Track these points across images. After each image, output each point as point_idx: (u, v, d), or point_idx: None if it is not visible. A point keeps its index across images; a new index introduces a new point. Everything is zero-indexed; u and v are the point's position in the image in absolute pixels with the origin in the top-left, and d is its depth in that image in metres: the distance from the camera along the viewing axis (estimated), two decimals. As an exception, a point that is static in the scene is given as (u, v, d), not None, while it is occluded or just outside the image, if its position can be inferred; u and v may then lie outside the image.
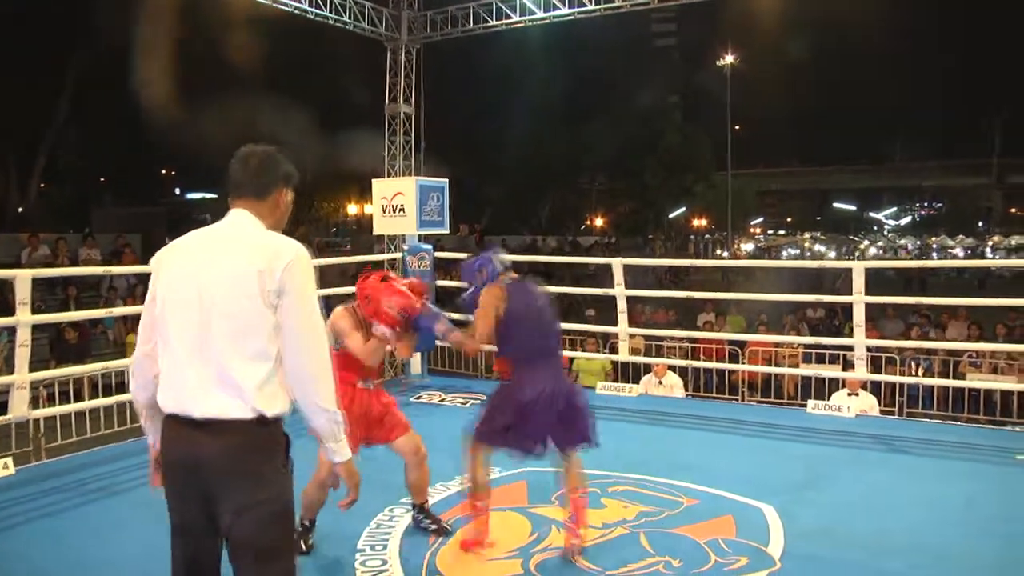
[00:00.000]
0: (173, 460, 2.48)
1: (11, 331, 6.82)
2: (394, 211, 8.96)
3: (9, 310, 6.40)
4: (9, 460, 5.61)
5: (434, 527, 4.47)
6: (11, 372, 5.99)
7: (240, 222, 2.58)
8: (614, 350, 9.26)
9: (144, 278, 15.48)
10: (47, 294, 13.38)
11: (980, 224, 61.89)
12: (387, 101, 11.59)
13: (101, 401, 7.11)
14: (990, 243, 57.91)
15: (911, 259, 45.88)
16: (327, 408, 2.50)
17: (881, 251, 60.86)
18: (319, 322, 2.52)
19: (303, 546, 4.17)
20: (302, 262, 2.49)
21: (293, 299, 2.45)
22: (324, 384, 2.50)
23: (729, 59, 41.12)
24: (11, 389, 5.86)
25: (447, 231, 9.64)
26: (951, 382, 8.85)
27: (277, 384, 2.46)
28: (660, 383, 8.92)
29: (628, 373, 10.36)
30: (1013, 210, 62.51)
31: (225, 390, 2.41)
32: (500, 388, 4.25)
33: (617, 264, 8.11)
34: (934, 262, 35.38)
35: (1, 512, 4.78)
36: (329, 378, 2.51)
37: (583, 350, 10.42)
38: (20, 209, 25.16)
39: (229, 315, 2.42)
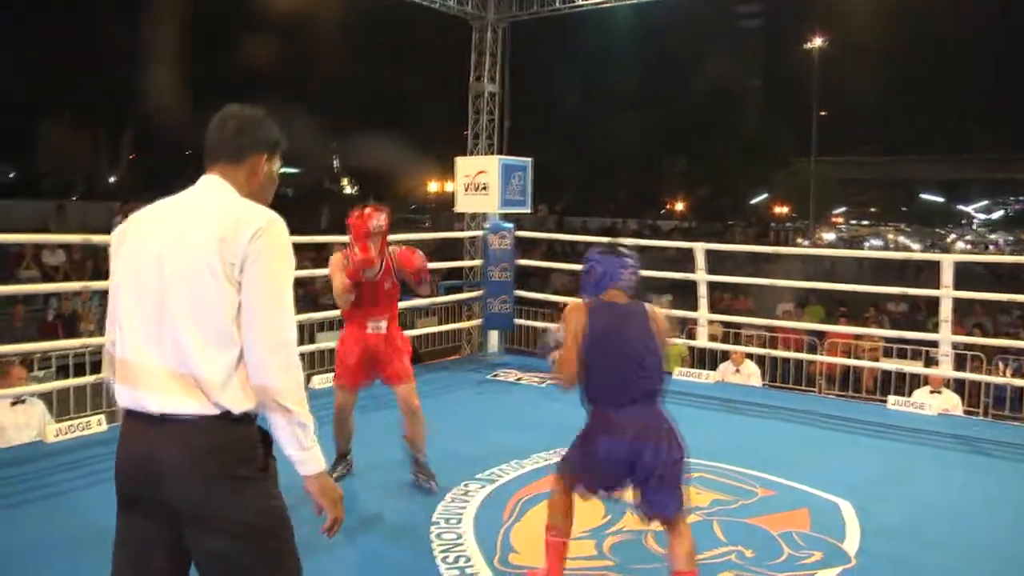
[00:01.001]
0: (127, 464, 2.07)
1: (104, 294, 7.08)
2: (476, 189, 9.03)
3: (102, 275, 6.63)
4: (103, 417, 5.85)
5: (424, 481, 4.77)
6: (103, 334, 6.21)
7: (210, 188, 2.20)
8: (692, 336, 9.20)
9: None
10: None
11: (1076, 220, 59.52)
12: (472, 80, 11.64)
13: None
14: (1087, 240, 55.69)
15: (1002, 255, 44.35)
16: (289, 408, 2.04)
17: (970, 246, 58.97)
18: (287, 304, 2.09)
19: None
20: (274, 232, 2.08)
21: (257, 273, 2.03)
22: (287, 378, 2.05)
23: (817, 42, 40.09)
24: (104, 349, 6.09)
25: (529, 211, 9.67)
26: (1040, 384, 8.59)
27: (246, 375, 2.04)
28: (737, 371, 8.85)
29: (704, 360, 10.30)
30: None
31: (184, 381, 2.01)
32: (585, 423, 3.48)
33: (699, 248, 8.05)
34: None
35: (95, 466, 4.97)
36: (295, 371, 2.08)
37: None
38: (112, 179, 26.02)
39: (188, 293, 2.02)
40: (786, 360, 9.91)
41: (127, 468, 2.07)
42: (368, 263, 4.55)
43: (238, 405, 2.02)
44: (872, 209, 68.88)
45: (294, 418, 2.06)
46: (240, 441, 2.05)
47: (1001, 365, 9.91)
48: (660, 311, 3.49)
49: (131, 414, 2.08)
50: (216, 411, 2.01)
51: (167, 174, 29.63)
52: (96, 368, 6.22)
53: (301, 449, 2.10)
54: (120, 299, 2.14)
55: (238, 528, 2.01)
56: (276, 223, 2.10)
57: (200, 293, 2.02)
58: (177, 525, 2.02)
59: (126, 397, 2.08)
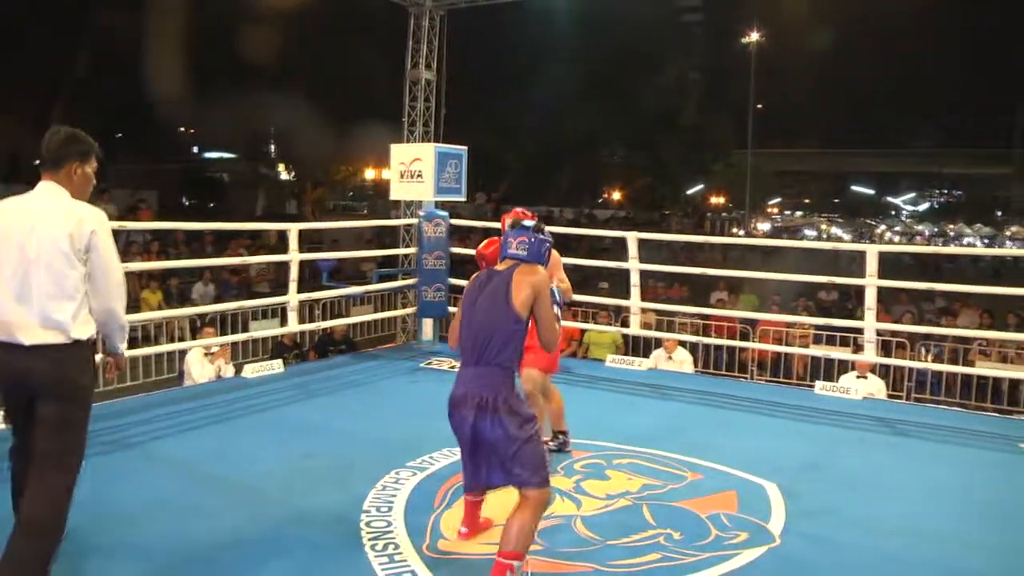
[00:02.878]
0: (10, 377, 3.22)
1: None
2: (411, 177, 8.97)
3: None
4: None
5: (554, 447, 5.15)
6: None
7: (47, 193, 3.32)
8: (626, 323, 9.29)
9: (159, 235, 15.55)
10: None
11: (999, 213, 61.41)
12: (408, 67, 11.55)
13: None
14: (1008, 233, 57.56)
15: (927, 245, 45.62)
16: (124, 324, 3.48)
17: (898, 236, 60.51)
18: (116, 264, 3.36)
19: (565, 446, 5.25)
20: (103, 226, 3.31)
21: (98, 253, 3.27)
22: (120, 304, 3.39)
23: (754, 37, 40.67)
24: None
25: (464, 199, 9.65)
26: (960, 369, 8.85)
27: (85, 316, 3.27)
28: (670, 358, 8.96)
29: (639, 347, 10.40)
30: (1032, 200, 62.01)
31: (48, 324, 3.17)
32: None
33: (632, 238, 8.11)
34: (949, 248, 35.25)
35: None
36: (123, 303, 3.41)
37: (595, 322, 10.45)
38: (37, 162, 25.23)
39: (48, 270, 3.17)
40: (719, 347, 10.05)
41: (9, 379, 3.23)
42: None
43: (83, 335, 3.26)
44: (806, 200, 70.28)
45: (125, 328, 3.53)
46: (82, 355, 3.29)
47: (923, 351, 10.19)
48: (531, 277, 3.49)
49: (4, 345, 3.17)
50: (69, 340, 3.21)
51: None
52: None
53: (122, 342, 3.56)
54: None
55: (69, 397, 3.25)
56: (103, 219, 3.33)
57: (57, 269, 3.19)
58: (34, 400, 3.20)
59: (3, 335, 3.18)
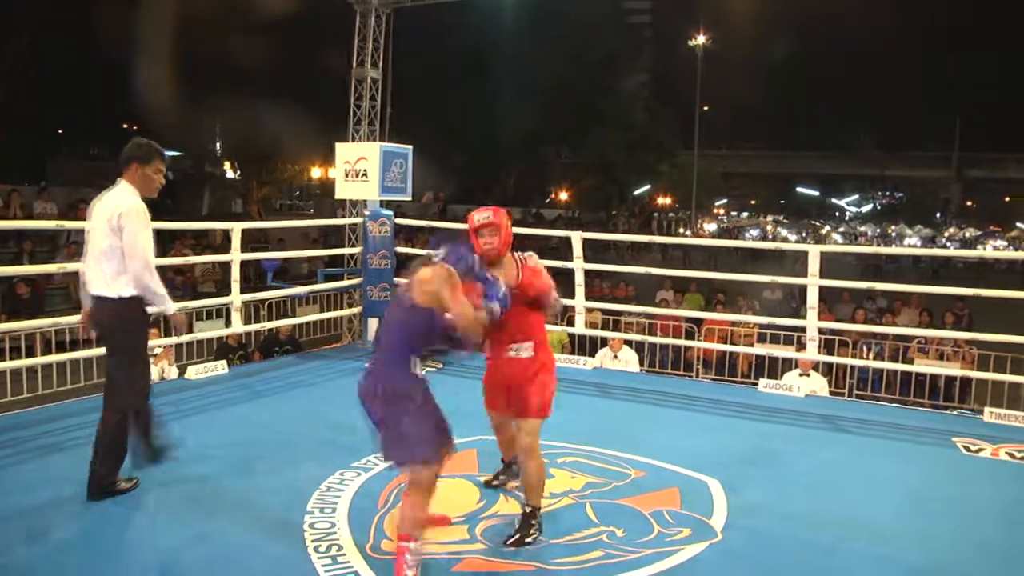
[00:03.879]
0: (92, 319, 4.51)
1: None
2: (357, 176, 8.90)
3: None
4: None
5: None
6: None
7: (117, 188, 4.37)
8: (571, 323, 9.32)
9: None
10: (0, 247, 13.17)
11: (938, 215, 62.94)
12: (354, 65, 11.46)
13: (54, 357, 7.05)
14: (946, 234, 59.02)
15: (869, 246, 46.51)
16: (156, 291, 4.38)
17: (842, 237, 61.64)
18: (142, 243, 4.28)
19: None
20: (130, 212, 4.26)
21: (125, 234, 4.24)
22: (148, 276, 4.32)
23: (701, 39, 41.15)
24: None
25: (409, 198, 9.61)
26: (899, 366, 9.02)
27: (124, 280, 4.29)
28: (615, 357, 9.01)
29: (585, 346, 10.45)
30: (970, 203, 63.69)
31: (103, 279, 4.30)
32: None
33: (576, 237, 8.15)
34: (888, 248, 36.03)
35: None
36: (150, 274, 4.33)
37: (541, 322, 10.46)
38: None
39: (100, 242, 4.29)
40: (664, 346, 10.13)
41: (92, 320, 4.48)
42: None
43: (125, 292, 4.31)
44: (752, 201, 71.27)
45: (156, 293, 4.39)
46: (125, 308, 4.34)
47: (865, 349, 10.39)
48: (424, 274, 3.58)
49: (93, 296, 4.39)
50: (115, 295, 4.30)
51: (35, 154, 28.31)
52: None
53: (163, 306, 4.49)
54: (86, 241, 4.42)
55: (108, 337, 4.50)
56: (134, 209, 4.29)
57: (105, 242, 4.27)
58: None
59: (88, 289, 4.40)
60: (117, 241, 4.23)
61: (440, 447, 3.59)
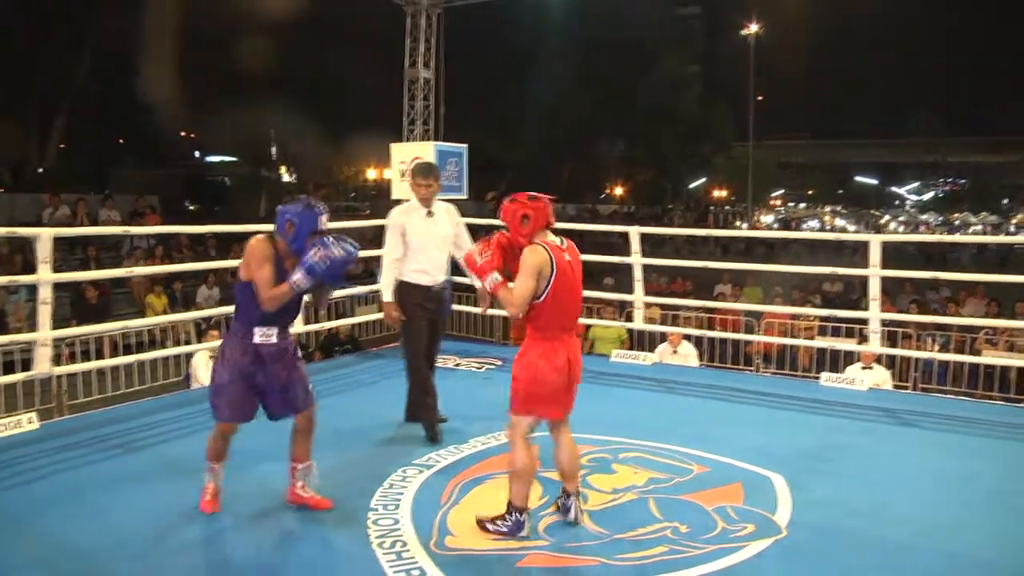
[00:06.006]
0: (427, 299, 5.62)
1: (33, 289, 6.91)
2: (412, 176, 8.95)
3: (31, 269, 6.48)
4: (34, 415, 5.71)
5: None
6: (34, 330, 6.08)
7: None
8: (630, 318, 9.28)
9: (164, 238, 15.56)
10: (68, 254, 13.50)
11: (1005, 202, 61.10)
12: (406, 66, 11.55)
13: (121, 359, 7.25)
14: (1014, 221, 57.30)
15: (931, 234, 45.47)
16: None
17: (902, 226, 60.35)
18: (387, 243, 5.71)
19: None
20: (390, 218, 5.64)
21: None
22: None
23: (753, 28, 40.61)
24: (34, 346, 5.97)
25: (465, 196, 9.65)
26: (966, 358, 8.82)
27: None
28: (675, 352, 8.95)
29: (644, 342, 10.39)
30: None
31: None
32: None
33: (634, 232, 8.11)
34: (952, 237, 35.12)
35: (26, 464, 4.89)
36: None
37: (600, 318, 10.44)
38: (40, 169, 25.27)
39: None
40: (723, 341, 10.04)
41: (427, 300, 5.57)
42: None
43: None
44: (809, 192, 70.11)
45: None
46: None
47: (929, 340, 10.17)
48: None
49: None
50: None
51: (98, 164, 29.03)
52: (26, 365, 6.08)
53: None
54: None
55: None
56: (392, 214, 5.69)
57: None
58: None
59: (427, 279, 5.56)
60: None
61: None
